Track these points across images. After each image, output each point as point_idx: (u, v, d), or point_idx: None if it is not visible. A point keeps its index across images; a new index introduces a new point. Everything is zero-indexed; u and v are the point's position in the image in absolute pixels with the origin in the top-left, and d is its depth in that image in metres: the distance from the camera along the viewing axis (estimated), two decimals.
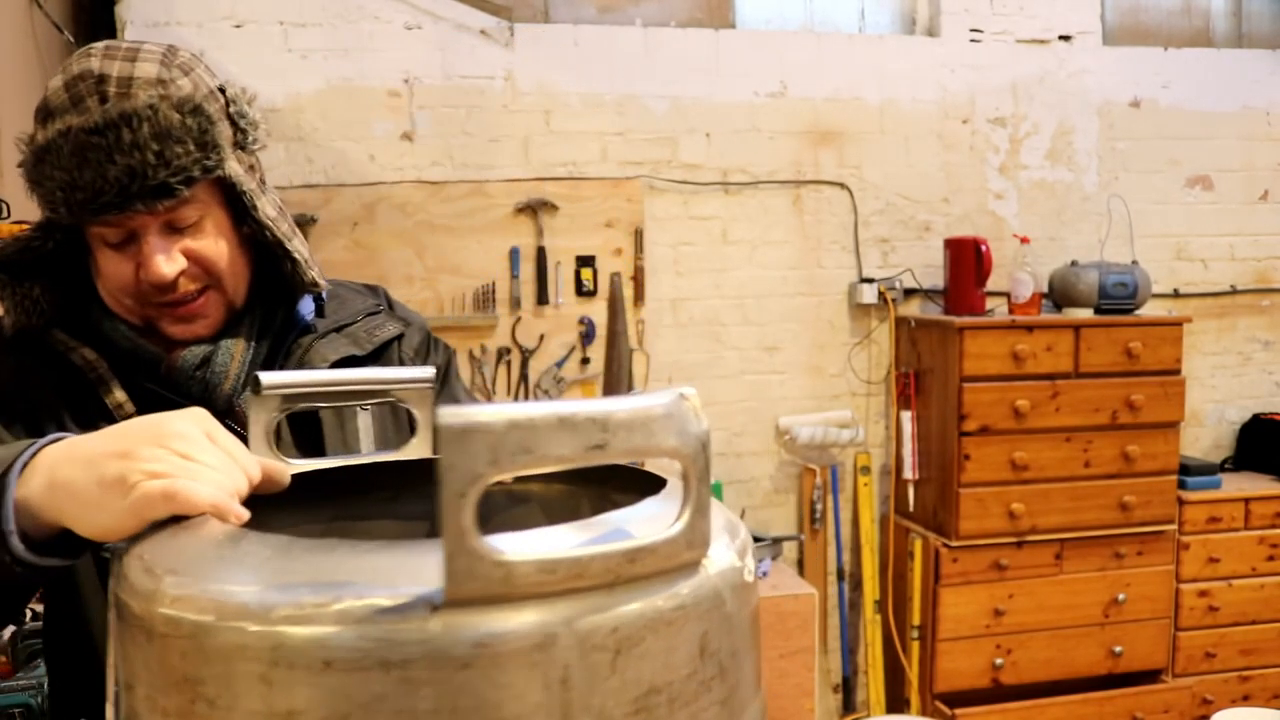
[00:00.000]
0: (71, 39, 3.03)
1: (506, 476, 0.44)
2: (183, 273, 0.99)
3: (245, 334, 1.06)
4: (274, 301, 1.10)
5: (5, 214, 2.35)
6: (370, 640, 0.44)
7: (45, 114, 0.97)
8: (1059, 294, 3.52)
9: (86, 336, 1.03)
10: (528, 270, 3.30)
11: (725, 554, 0.53)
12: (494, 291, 3.28)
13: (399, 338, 1.19)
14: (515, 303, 3.30)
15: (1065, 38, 3.74)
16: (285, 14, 3.24)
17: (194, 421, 0.69)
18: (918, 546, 3.42)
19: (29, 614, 1.87)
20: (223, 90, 1.03)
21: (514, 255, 3.29)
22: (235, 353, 1.05)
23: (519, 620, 0.45)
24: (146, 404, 0.98)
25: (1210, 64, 3.86)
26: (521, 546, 0.46)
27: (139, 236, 0.97)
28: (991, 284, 3.45)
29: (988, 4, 3.67)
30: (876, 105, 3.61)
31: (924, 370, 3.49)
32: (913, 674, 3.44)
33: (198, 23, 3.20)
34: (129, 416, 0.98)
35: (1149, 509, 3.38)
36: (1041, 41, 3.73)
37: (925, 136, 3.66)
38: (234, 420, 1.01)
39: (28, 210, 2.61)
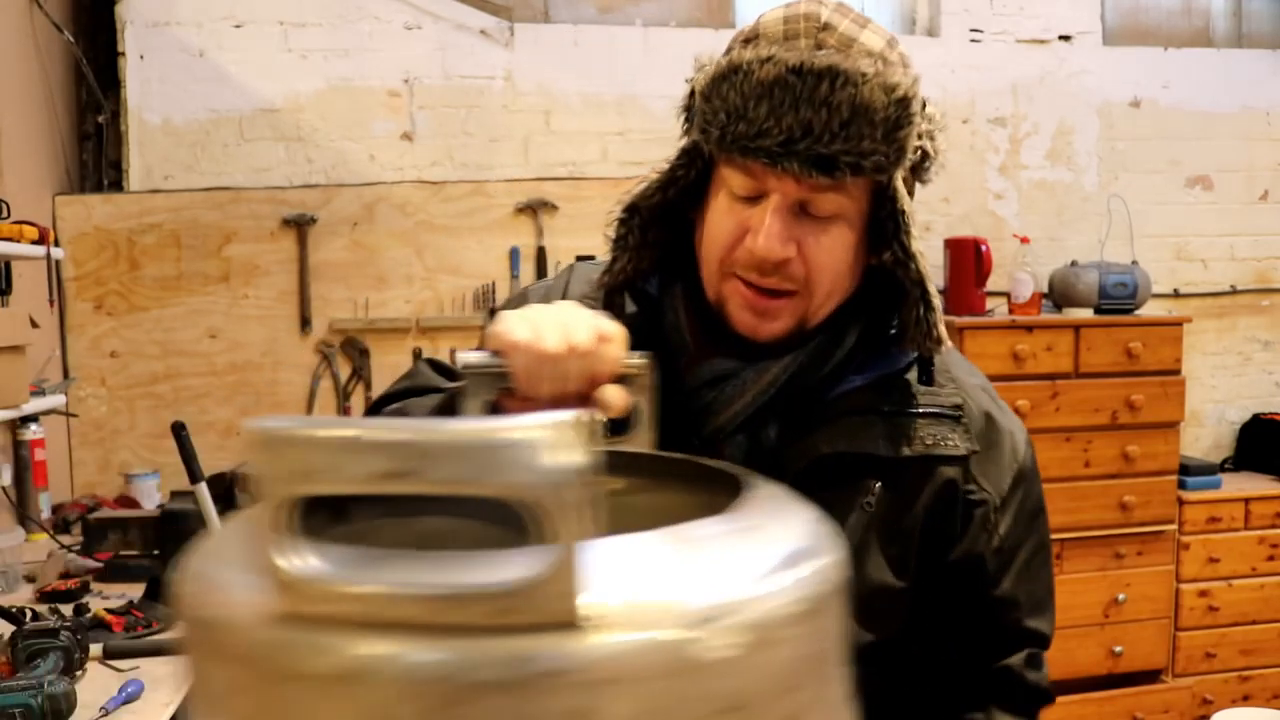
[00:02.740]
0: (71, 39, 3.04)
1: (316, 492, 0.42)
2: (788, 262, 0.87)
3: (779, 370, 0.91)
4: (838, 337, 0.93)
5: (5, 214, 2.35)
6: (226, 635, 0.45)
7: (749, 38, 0.90)
8: (1059, 294, 3.52)
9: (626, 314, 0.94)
10: (528, 270, 3.30)
11: (659, 618, 0.43)
12: (494, 291, 3.28)
13: (963, 459, 0.94)
14: None
15: (1065, 38, 3.74)
16: (285, 14, 3.24)
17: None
18: None
19: (29, 614, 1.86)
20: (925, 107, 0.92)
21: (514, 255, 3.28)
22: (752, 388, 0.91)
23: (330, 644, 0.42)
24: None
25: (1210, 64, 3.86)
26: (338, 569, 0.43)
27: (766, 199, 0.87)
28: (991, 284, 3.44)
29: (988, 4, 3.67)
30: None
31: None
32: None
33: (198, 23, 3.20)
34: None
35: (1149, 509, 3.38)
36: (1041, 41, 3.73)
37: None
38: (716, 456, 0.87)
39: (28, 210, 2.61)
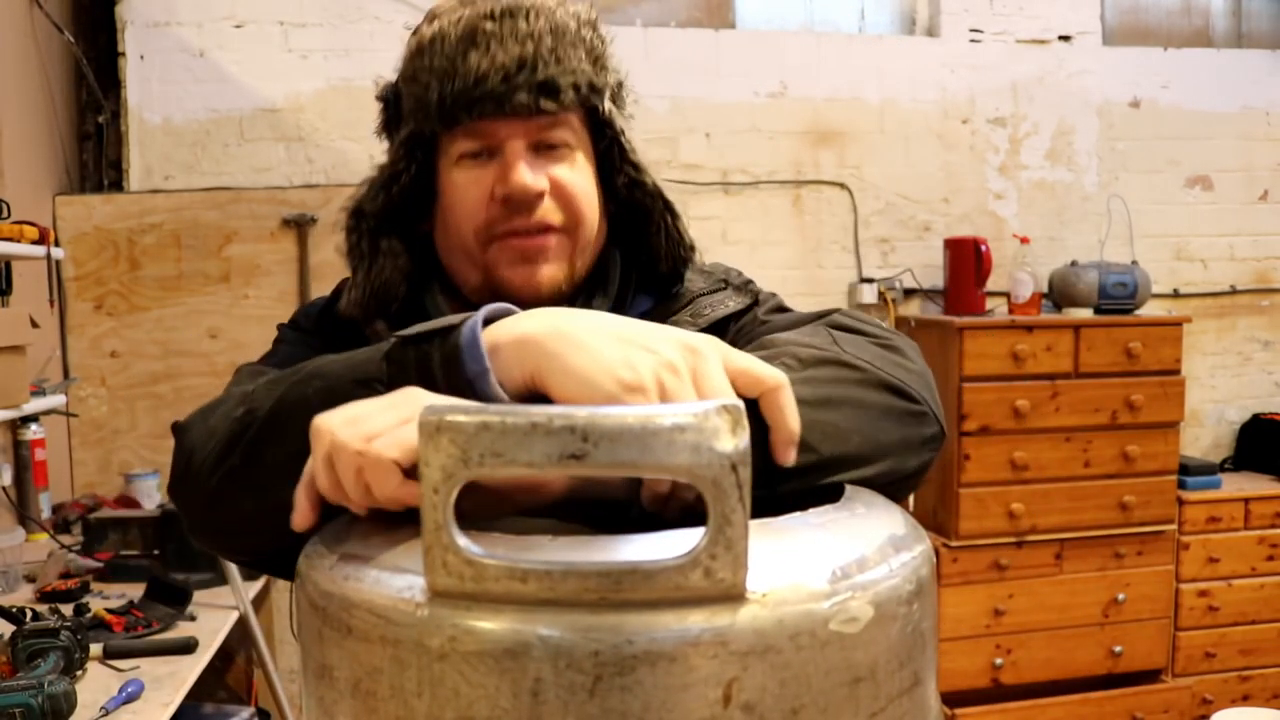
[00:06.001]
0: (71, 39, 3.04)
1: (481, 476, 0.44)
2: (544, 195, 0.86)
3: None
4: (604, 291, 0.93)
5: (5, 214, 2.35)
6: (378, 615, 0.47)
7: (430, 17, 0.88)
8: (1059, 294, 3.52)
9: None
10: None
11: (800, 594, 0.46)
12: None
13: (745, 312, 0.93)
14: None
15: (1065, 38, 3.74)
16: (285, 14, 3.24)
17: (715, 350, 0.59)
18: None
19: (30, 614, 1.86)
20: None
21: None
22: None
23: (489, 622, 0.44)
24: None
25: (1210, 64, 3.86)
26: (499, 549, 0.45)
27: (502, 151, 0.86)
28: (991, 284, 3.44)
29: (988, 4, 3.67)
30: (876, 105, 3.61)
31: None
32: None
33: (198, 23, 3.20)
34: None
35: (1149, 509, 3.38)
36: (1041, 41, 3.73)
37: (925, 136, 3.66)
38: None
39: (28, 210, 2.61)
